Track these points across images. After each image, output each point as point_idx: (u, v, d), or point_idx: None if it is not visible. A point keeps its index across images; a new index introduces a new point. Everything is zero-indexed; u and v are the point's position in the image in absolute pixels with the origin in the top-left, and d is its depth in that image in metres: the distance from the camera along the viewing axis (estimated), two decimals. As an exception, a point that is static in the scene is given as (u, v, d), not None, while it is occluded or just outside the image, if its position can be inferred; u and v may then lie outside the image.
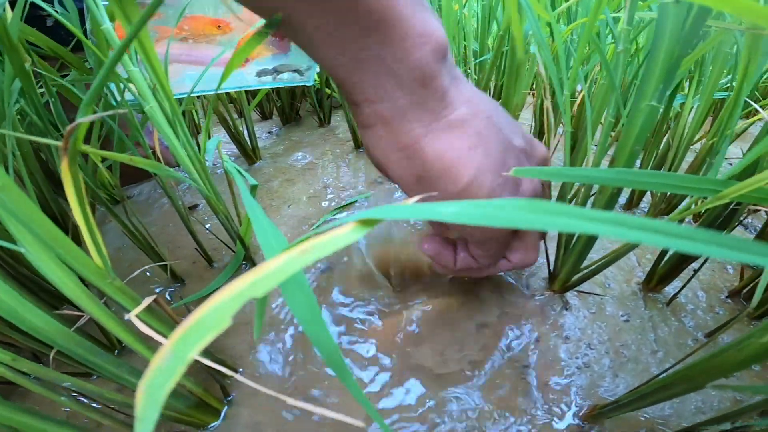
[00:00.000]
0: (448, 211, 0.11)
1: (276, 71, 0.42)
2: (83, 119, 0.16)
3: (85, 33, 0.36)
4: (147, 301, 0.22)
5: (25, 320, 0.20)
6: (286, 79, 0.43)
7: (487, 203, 0.11)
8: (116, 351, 0.34)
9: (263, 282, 0.10)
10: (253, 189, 0.28)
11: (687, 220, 0.44)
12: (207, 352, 0.29)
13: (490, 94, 0.42)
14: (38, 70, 0.31)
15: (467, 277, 0.32)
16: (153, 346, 0.24)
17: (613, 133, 0.44)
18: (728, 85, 0.45)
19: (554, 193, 0.45)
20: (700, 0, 0.13)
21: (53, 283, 0.20)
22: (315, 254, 0.11)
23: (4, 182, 0.16)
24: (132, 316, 0.20)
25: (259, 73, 0.42)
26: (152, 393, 0.09)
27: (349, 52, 0.22)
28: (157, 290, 0.39)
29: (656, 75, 0.22)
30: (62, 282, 0.20)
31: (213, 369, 0.30)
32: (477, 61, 0.39)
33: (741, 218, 0.32)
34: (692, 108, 0.39)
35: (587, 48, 0.27)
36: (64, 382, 0.23)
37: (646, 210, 0.46)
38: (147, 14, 0.14)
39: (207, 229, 0.44)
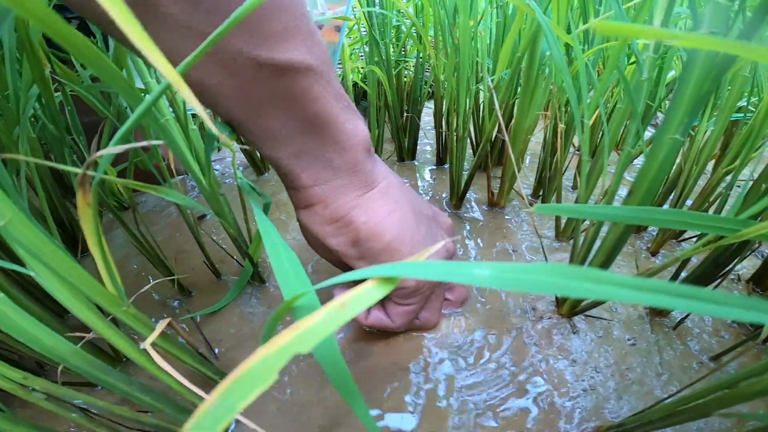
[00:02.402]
0: (483, 274, 0.10)
1: None
2: (108, 150, 0.16)
3: (105, 37, 0.35)
4: (160, 327, 0.22)
5: (38, 341, 0.20)
6: None
7: (521, 268, 0.11)
8: (122, 361, 0.34)
9: (308, 336, 0.10)
10: (267, 207, 0.28)
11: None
12: (217, 371, 0.29)
13: (502, 112, 0.42)
14: (57, 77, 0.31)
15: (376, 329, 0.35)
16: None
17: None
18: (740, 105, 0.45)
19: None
20: (730, 50, 0.13)
21: (63, 304, 0.20)
22: (354, 309, 0.11)
23: (12, 215, 0.16)
24: (147, 345, 0.20)
25: None
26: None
27: (291, 148, 0.26)
28: (163, 298, 0.39)
29: (683, 108, 0.22)
30: (72, 304, 0.20)
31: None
32: (491, 78, 0.39)
33: (753, 248, 0.32)
34: (706, 131, 0.39)
35: (611, 74, 0.27)
36: (75, 399, 0.23)
37: (654, 233, 0.46)
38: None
39: (215, 241, 0.44)
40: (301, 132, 0.26)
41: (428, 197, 0.54)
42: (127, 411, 0.25)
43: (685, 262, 0.38)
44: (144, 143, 0.10)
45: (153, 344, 0.20)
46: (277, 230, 0.23)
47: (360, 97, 0.77)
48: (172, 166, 0.31)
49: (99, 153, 0.12)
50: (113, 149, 0.11)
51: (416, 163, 0.64)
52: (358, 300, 0.11)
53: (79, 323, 0.37)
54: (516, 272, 0.11)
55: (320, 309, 0.11)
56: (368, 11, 0.45)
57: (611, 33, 0.08)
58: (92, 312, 0.21)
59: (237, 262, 0.42)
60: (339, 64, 0.62)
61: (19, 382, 0.21)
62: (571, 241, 0.44)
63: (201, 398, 0.26)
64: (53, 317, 0.33)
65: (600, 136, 0.51)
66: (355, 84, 0.69)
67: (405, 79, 0.58)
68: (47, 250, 0.16)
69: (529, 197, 0.53)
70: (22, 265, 0.19)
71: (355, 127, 0.27)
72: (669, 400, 0.29)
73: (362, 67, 0.67)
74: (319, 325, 0.10)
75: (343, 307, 0.11)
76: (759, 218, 0.27)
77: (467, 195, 0.52)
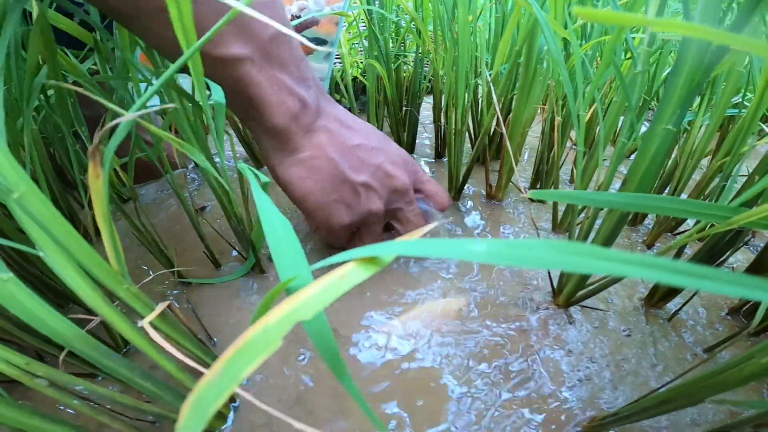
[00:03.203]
0: (480, 250, 0.11)
1: None
2: (127, 117, 0.16)
3: (110, 30, 0.36)
4: (160, 307, 0.23)
5: (44, 323, 0.20)
6: None
7: (518, 244, 0.11)
8: (122, 351, 0.34)
9: (310, 304, 0.10)
10: (265, 186, 0.28)
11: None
12: (215, 358, 0.29)
13: (500, 106, 0.43)
14: (64, 72, 0.31)
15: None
16: (166, 354, 0.24)
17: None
18: (737, 101, 0.45)
19: (562, 207, 0.46)
20: (725, 40, 0.13)
21: (69, 286, 0.20)
22: (353, 280, 0.11)
23: (27, 187, 0.16)
24: (145, 323, 0.20)
25: None
26: (199, 408, 0.09)
27: (239, 112, 0.35)
28: (163, 288, 0.39)
29: (675, 99, 0.22)
30: (79, 286, 0.21)
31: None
32: (490, 73, 0.39)
33: (746, 239, 0.33)
34: (701, 125, 0.39)
35: (606, 68, 0.27)
36: (77, 385, 0.23)
37: (650, 226, 0.47)
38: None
39: (216, 231, 0.44)
40: (240, 102, 0.33)
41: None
42: (128, 399, 0.25)
43: (679, 253, 0.39)
44: (162, 106, 0.10)
45: (153, 326, 0.21)
46: (278, 211, 0.23)
47: (359, 91, 0.77)
48: (176, 161, 0.31)
49: (117, 120, 0.12)
50: (130, 116, 0.12)
51: (415, 156, 0.64)
52: (356, 272, 0.11)
53: (79, 314, 0.37)
54: (513, 248, 0.11)
55: (320, 279, 0.11)
56: (368, 8, 0.45)
57: (595, 20, 0.09)
58: (98, 294, 0.21)
59: (237, 251, 0.42)
60: (338, 58, 0.62)
61: (22, 368, 0.22)
62: (568, 234, 0.45)
63: (195, 380, 0.27)
64: (55, 307, 0.33)
65: (597, 129, 0.52)
66: (354, 78, 0.69)
67: (404, 73, 0.58)
68: (58, 224, 0.17)
69: (527, 190, 0.53)
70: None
71: (282, 104, 0.34)
72: (662, 389, 0.30)
73: (361, 62, 0.67)
74: (320, 294, 0.11)
75: (341, 278, 0.11)
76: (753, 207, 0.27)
77: (465, 188, 0.52)
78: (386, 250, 0.11)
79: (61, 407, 0.31)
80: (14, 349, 0.32)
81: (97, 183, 0.16)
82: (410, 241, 0.11)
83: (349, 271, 0.11)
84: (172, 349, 0.19)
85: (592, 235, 0.33)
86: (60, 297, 0.37)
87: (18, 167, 0.16)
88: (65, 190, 0.42)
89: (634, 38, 0.37)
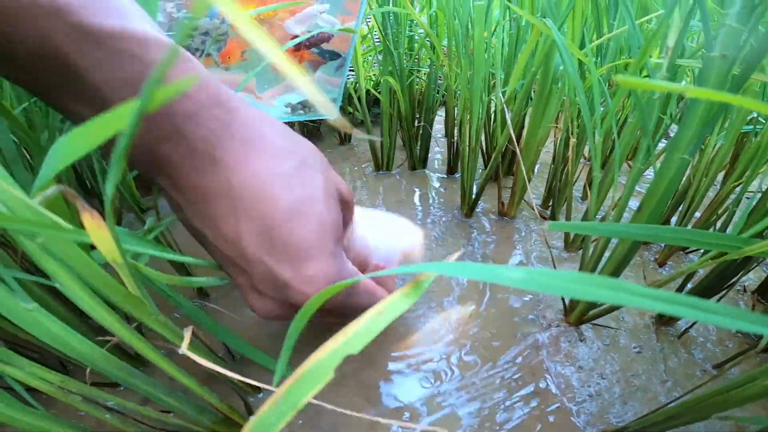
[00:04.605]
0: (516, 276, 0.11)
1: (303, 106, 0.45)
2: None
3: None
4: (188, 334, 0.23)
5: (70, 346, 0.21)
6: (312, 113, 0.46)
7: (551, 274, 0.11)
8: (143, 364, 0.35)
9: (355, 340, 0.12)
10: None
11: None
12: (239, 373, 0.30)
13: (514, 125, 0.43)
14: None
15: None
16: (185, 368, 0.25)
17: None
18: (751, 117, 0.45)
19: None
20: (717, 97, 0.13)
21: (88, 314, 0.21)
22: (391, 315, 0.12)
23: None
24: (184, 349, 0.21)
25: (288, 106, 0.44)
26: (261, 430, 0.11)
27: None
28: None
29: (693, 128, 0.22)
30: (98, 313, 0.21)
31: (238, 387, 0.31)
32: (503, 91, 0.40)
33: (759, 260, 0.33)
34: (716, 144, 0.40)
35: (624, 92, 0.28)
36: (109, 401, 0.24)
37: (662, 245, 0.47)
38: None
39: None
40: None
41: (439, 206, 0.55)
42: (152, 411, 0.26)
43: (691, 273, 0.39)
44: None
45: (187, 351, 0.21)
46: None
47: (371, 103, 0.77)
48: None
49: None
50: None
51: (427, 171, 0.64)
52: (393, 307, 0.12)
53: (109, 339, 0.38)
54: (548, 277, 0.11)
55: (361, 317, 0.12)
56: (382, 22, 0.45)
57: (633, 87, 0.09)
58: (116, 320, 0.22)
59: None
60: (351, 70, 0.63)
61: (58, 385, 0.22)
62: (579, 252, 0.45)
63: (215, 396, 0.27)
64: (75, 316, 0.34)
65: (611, 147, 0.52)
66: (367, 91, 0.70)
67: (417, 86, 0.59)
68: (75, 256, 0.17)
69: (539, 207, 0.54)
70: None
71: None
72: (671, 405, 0.30)
73: (374, 75, 0.68)
74: (365, 329, 0.12)
75: (379, 315, 0.12)
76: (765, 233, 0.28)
77: (477, 204, 0.53)
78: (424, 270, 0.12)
79: (82, 413, 0.32)
80: (36, 359, 0.33)
81: (100, 233, 0.15)
82: (450, 263, 0.12)
83: (386, 307, 0.12)
84: (213, 365, 0.20)
85: (606, 253, 0.34)
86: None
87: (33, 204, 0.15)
88: (85, 199, 0.43)
89: (651, 63, 0.37)
